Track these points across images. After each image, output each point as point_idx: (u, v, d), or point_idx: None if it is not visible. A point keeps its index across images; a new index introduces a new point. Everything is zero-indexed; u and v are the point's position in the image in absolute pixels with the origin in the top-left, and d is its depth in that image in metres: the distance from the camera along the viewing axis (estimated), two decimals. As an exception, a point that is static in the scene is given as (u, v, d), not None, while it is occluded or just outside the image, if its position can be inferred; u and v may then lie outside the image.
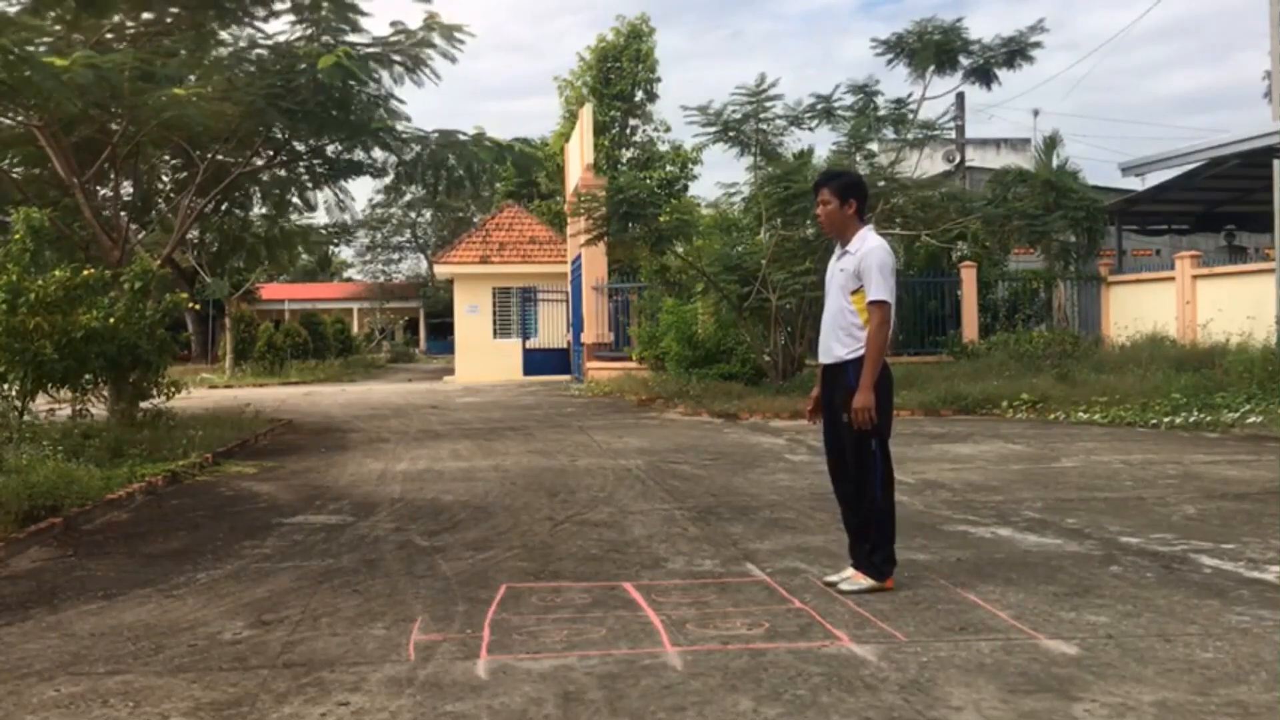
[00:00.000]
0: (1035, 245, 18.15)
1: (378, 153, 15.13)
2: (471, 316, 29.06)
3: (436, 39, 12.26)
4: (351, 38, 12.24)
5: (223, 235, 19.33)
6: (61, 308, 9.63)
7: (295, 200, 17.22)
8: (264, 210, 17.80)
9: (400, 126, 13.82)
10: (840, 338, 4.94)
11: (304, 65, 11.52)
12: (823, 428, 5.24)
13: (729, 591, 4.97)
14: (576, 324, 24.75)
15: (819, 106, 16.56)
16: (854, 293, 4.90)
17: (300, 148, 14.73)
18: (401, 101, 14.95)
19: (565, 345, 27.40)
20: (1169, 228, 24.89)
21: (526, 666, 3.90)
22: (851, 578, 4.90)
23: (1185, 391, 13.07)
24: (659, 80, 33.23)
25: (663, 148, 33.62)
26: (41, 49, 10.13)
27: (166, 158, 15.47)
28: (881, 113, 16.56)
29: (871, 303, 4.81)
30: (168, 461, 9.36)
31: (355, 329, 49.04)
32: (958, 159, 29.11)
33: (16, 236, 9.71)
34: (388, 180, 18.54)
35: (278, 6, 12.14)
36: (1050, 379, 15.04)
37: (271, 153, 14.71)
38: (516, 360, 27.62)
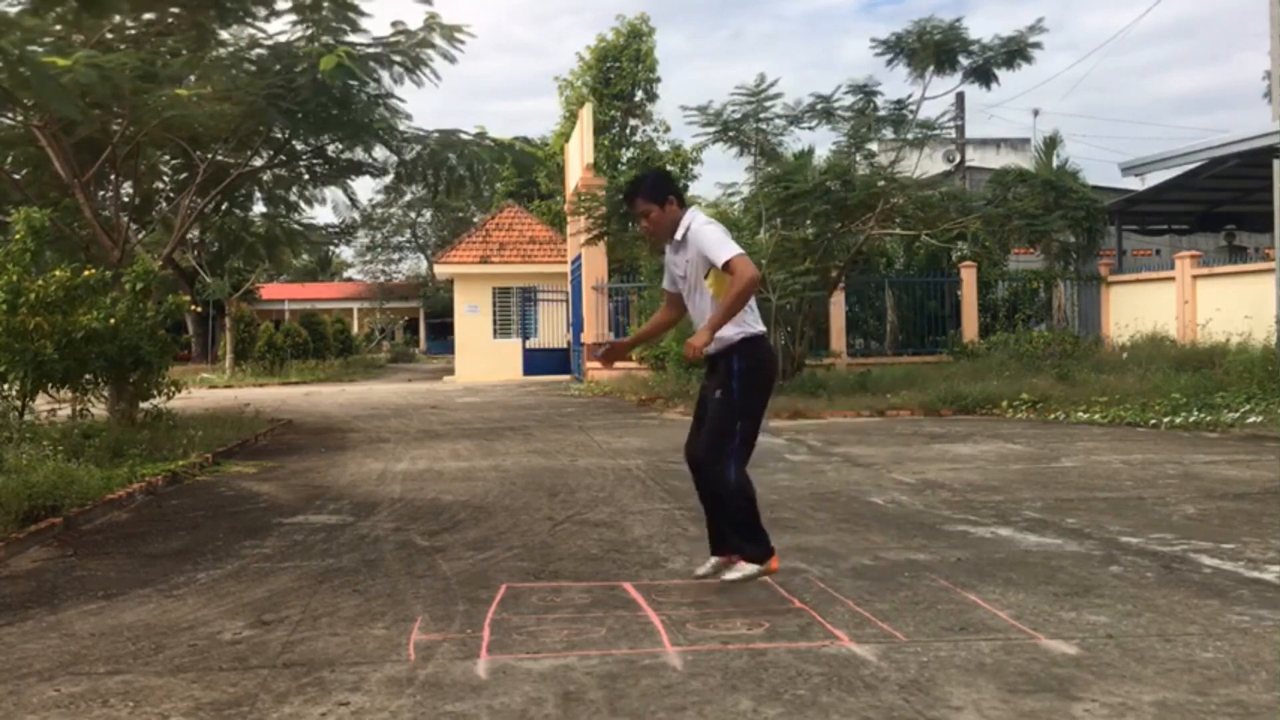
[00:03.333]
0: (1035, 245, 18.17)
1: (378, 152, 15.12)
2: (471, 316, 29.07)
3: (437, 39, 12.25)
4: (352, 38, 12.22)
5: (223, 235, 19.32)
6: (62, 308, 9.64)
7: (296, 200, 17.22)
8: (264, 210, 17.80)
9: (401, 126, 13.83)
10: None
11: (304, 65, 11.50)
12: (693, 417, 5.10)
13: (729, 591, 4.96)
14: (576, 324, 24.75)
15: (819, 106, 16.56)
16: (707, 276, 4.76)
17: (300, 147, 14.72)
18: (402, 101, 14.97)
19: (565, 345, 27.41)
20: (1169, 228, 24.90)
21: (526, 666, 3.90)
22: (717, 570, 4.91)
23: (1185, 391, 13.08)
24: (659, 80, 33.27)
25: (663, 148, 33.64)
26: (42, 49, 10.12)
27: (166, 158, 15.46)
28: (881, 113, 16.57)
29: (725, 264, 4.61)
30: (168, 461, 9.36)
31: (355, 329, 49.06)
32: (958, 159, 29.13)
33: (17, 236, 9.72)
34: (388, 180, 18.55)
35: (278, 6, 12.12)
36: (1050, 379, 15.05)
37: (271, 152, 14.70)
38: (516, 360, 27.63)
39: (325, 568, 5.64)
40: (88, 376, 10.30)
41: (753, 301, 4.76)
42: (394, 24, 12.37)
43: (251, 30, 12.56)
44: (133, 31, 12.19)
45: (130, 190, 15.06)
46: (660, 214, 4.84)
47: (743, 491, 4.80)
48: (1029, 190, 16.41)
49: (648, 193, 4.86)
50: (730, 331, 4.69)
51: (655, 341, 5.45)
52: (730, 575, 4.80)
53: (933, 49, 15.78)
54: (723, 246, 4.65)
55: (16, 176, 13.62)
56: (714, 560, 5.02)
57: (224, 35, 12.65)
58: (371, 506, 7.65)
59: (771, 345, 4.84)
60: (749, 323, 4.75)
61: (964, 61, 16.04)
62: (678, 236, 4.83)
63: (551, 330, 28.29)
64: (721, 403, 4.74)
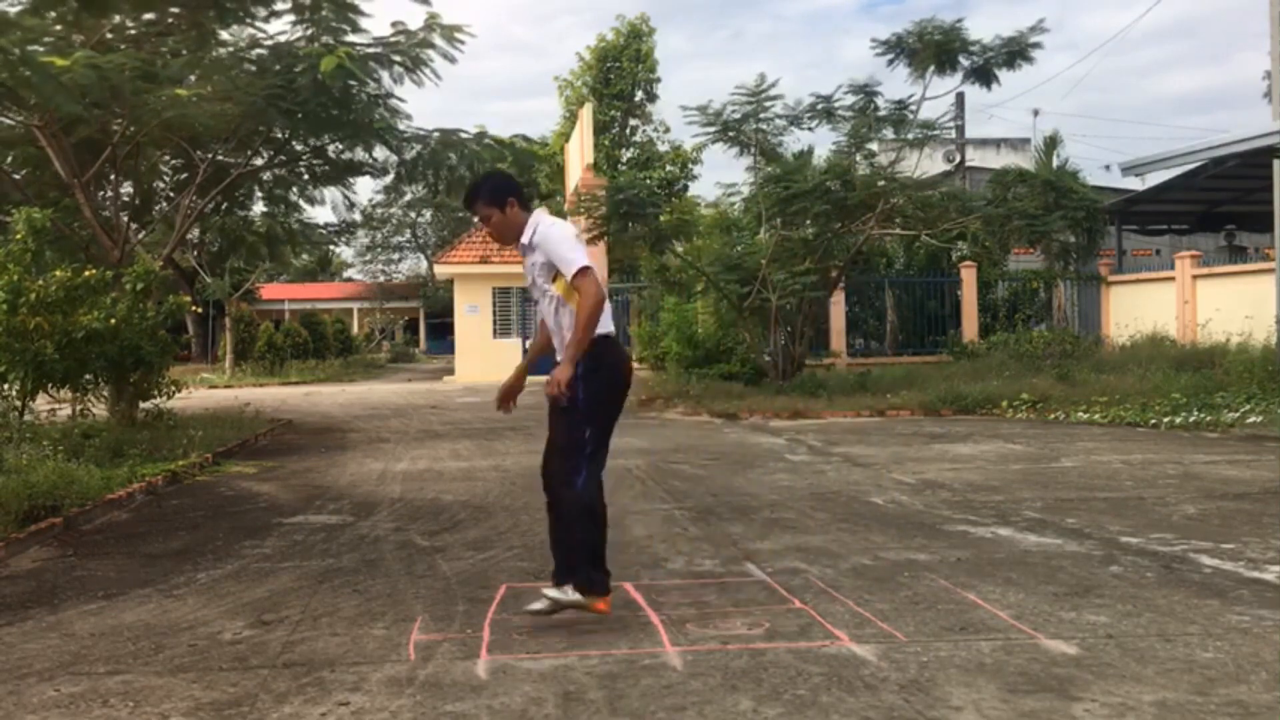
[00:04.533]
0: (1035, 245, 18.14)
1: (378, 152, 15.13)
2: (471, 316, 29.04)
3: (437, 39, 12.27)
4: (352, 38, 12.24)
5: (223, 234, 19.36)
6: (62, 308, 9.64)
7: (296, 199, 17.23)
8: (264, 209, 17.83)
9: (401, 126, 13.84)
10: (564, 331, 4.46)
11: (304, 65, 11.51)
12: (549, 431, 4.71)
13: (729, 591, 4.97)
14: (577, 324, 24.72)
15: (819, 106, 16.56)
16: (555, 280, 4.44)
17: (300, 147, 14.73)
18: (402, 101, 14.99)
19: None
20: (1169, 228, 24.90)
21: (526, 666, 3.90)
22: (565, 589, 4.40)
23: (1185, 391, 13.08)
24: (659, 80, 33.21)
25: (662, 148, 33.61)
26: (42, 49, 10.13)
27: (166, 158, 15.47)
28: (882, 113, 16.57)
29: (573, 276, 4.31)
30: (168, 461, 9.36)
31: (355, 329, 49.04)
32: (958, 159, 29.11)
33: (18, 236, 9.72)
34: (388, 180, 18.55)
35: (278, 6, 12.14)
36: (1050, 379, 15.05)
37: (271, 152, 14.71)
38: (516, 360, 27.49)
39: (325, 568, 5.64)
40: (88, 376, 10.31)
41: (573, 306, 4.40)
42: (394, 24, 12.39)
43: (251, 30, 12.59)
44: (133, 31, 12.21)
45: (130, 190, 15.08)
46: (502, 218, 4.54)
47: (590, 508, 4.42)
48: (1029, 190, 16.40)
49: (487, 196, 4.56)
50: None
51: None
52: (549, 591, 4.38)
53: (933, 49, 15.78)
54: (571, 252, 4.35)
55: (16, 176, 13.63)
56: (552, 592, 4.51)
57: (224, 35, 12.67)
58: (371, 506, 7.65)
59: (622, 346, 4.48)
60: (601, 324, 4.38)
61: (964, 62, 16.03)
62: (524, 240, 4.54)
63: (551, 330, 28.27)
64: (568, 413, 4.39)
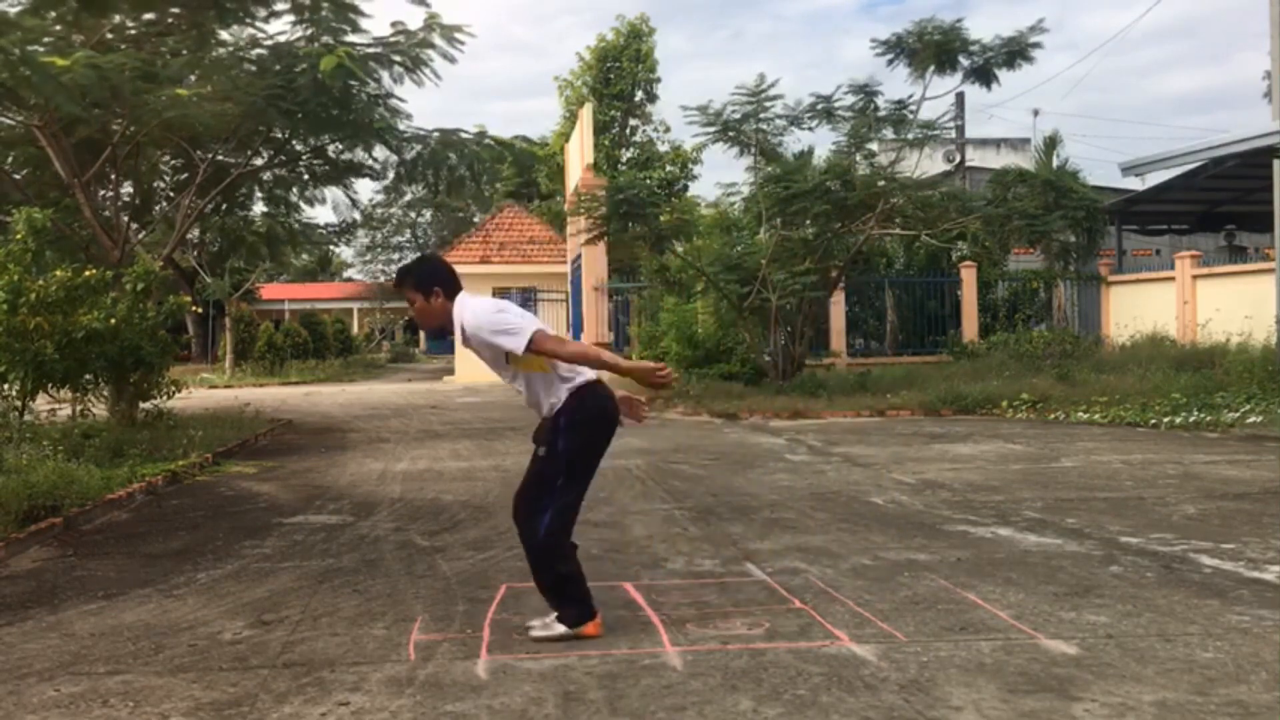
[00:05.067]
0: (1035, 245, 18.15)
1: (378, 152, 15.13)
2: (472, 316, 29.04)
3: (437, 39, 12.27)
4: (351, 38, 12.24)
5: (223, 234, 19.36)
6: (62, 308, 9.64)
7: (296, 200, 17.23)
8: (265, 209, 17.83)
9: (401, 126, 13.84)
10: (539, 397, 4.33)
11: (304, 65, 11.51)
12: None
13: (729, 591, 4.97)
14: (576, 324, 24.74)
15: (819, 107, 16.56)
16: (508, 359, 4.29)
17: (300, 147, 14.73)
18: (402, 101, 14.98)
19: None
20: (1169, 228, 24.90)
21: (526, 666, 3.90)
22: (548, 623, 4.33)
23: (1185, 391, 13.08)
24: (659, 80, 33.25)
25: (662, 148, 33.64)
26: (42, 49, 10.13)
27: (166, 158, 15.48)
28: (882, 113, 16.57)
29: (526, 353, 4.16)
30: (168, 461, 9.36)
31: (355, 329, 49.04)
32: (958, 159, 29.12)
33: (18, 236, 9.72)
34: (388, 180, 18.55)
35: (278, 6, 12.14)
36: (1050, 379, 15.05)
37: (272, 152, 14.72)
38: (516, 360, 27.59)
39: (325, 568, 5.64)
40: (88, 376, 10.30)
41: (542, 371, 4.31)
42: (394, 24, 12.39)
43: (251, 30, 12.58)
44: (133, 31, 12.21)
45: (130, 190, 15.07)
46: (425, 305, 4.40)
47: (551, 551, 4.24)
48: (1029, 190, 16.40)
49: (414, 283, 4.44)
50: (554, 400, 4.28)
51: None
52: (536, 633, 4.29)
53: (933, 49, 15.78)
54: (504, 337, 4.18)
55: (17, 176, 13.63)
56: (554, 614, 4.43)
57: (224, 35, 12.67)
58: (371, 506, 7.65)
59: (607, 391, 4.36)
60: (572, 378, 4.28)
61: (964, 62, 16.03)
62: (456, 333, 4.39)
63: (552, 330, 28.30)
64: (545, 460, 4.29)
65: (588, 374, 4.32)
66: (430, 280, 4.45)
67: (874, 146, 17.28)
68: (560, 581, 4.28)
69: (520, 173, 34.70)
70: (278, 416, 15.05)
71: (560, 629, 4.25)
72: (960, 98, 27.30)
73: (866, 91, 16.39)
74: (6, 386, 9.56)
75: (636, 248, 19.66)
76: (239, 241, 18.98)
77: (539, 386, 4.31)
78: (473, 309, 4.32)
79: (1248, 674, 3.66)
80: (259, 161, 14.89)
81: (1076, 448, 10.21)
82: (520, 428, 13.46)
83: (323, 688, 3.71)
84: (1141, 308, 19.19)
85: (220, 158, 14.29)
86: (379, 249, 55.53)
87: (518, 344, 4.14)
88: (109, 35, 11.90)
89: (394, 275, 4.63)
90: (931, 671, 3.74)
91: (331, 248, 49.44)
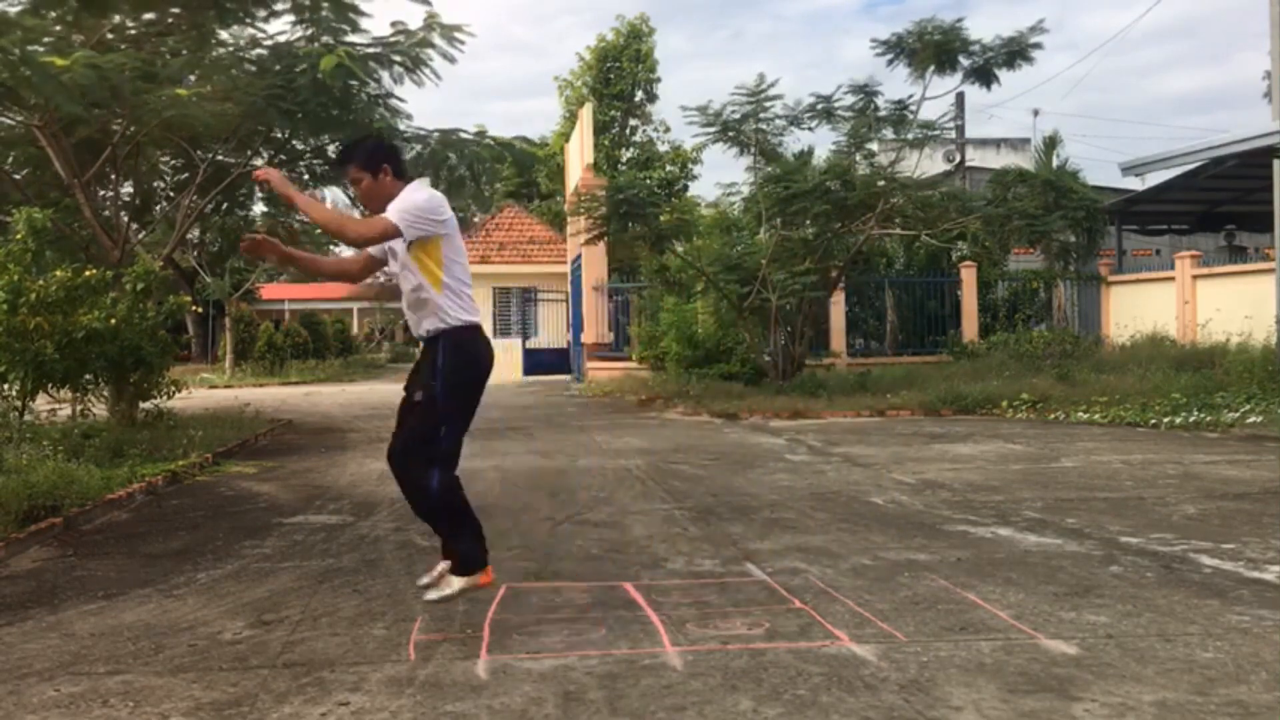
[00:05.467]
0: (1035, 245, 18.16)
1: (378, 152, 15.09)
2: (471, 316, 29.04)
3: (436, 39, 12.24)
4: (351, 38, 12.22)
5: (223, 234, 19.35)
6: (62, 308, 9.65)
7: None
8: (265, 209, 17.82)
9: (401, 126, 13.82)
10: (424, 310, 4.26)
11: (304, 65, 11.50)
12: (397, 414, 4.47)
13: (729, 591, 4.97)
14: (576, 324, 24.75)
15: (819, 107, 16.57)
16: (412, 255, 4.21)
17: (300, 147, 14.72)
18: (402, 101, 14.96)
19: (565, 345, 27.41)
20: (1169, 228, 24.91)
21: (526, 666, 3.90)
22: (438, 581, 4.32)
23: (1185, 391, 13.08)
24: (659, 80, 33.28)
25: (662, 148, 33.65)
26: (42, 49, 10.13)
27: (166, 158, 15.46)
28: (882, 113, 16.57)
29: (385, 220, 4.08)
30: (168, 461, 9.36)
31: (355, 329, 49.01)
32: (958, 159, 29.13)
33: (18, 236, 9.72)
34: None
35: (278, 6, 12.12)
36: (1050, 379, 15.05)
37: (272, 152, 14.71)
38: (516, 360, 27.61)
39: (325, 568, 5.64)
40: (88, 376, 10.30)
41: (468, 286, 4.31)
42: (394, 24, 12.36)
43: (251, 30, 12.57)
44: (133, 31, 12.20)
45: (130, 190, 15.06)
46: (371, 184, 4.27)
47: (448, 497, 4.26)
48: (1029, 190, 16.41)
49: (360, 159, 4.30)
50: (440, 320, 4.21)
51: (324, 270, 4.64)
52: (431, 595, 4.27)
53: (933, 49, 15.79)
54: (399, 212, 4.09)
55: (17, 176, 13.62)
56: (441, 565, 4.44)
57: (224, 35, 12.65)
58: (371, 506, 7.64)
59: (485, 338, 4.33)
60: (463, 310, 4.23)
61: (964, 62, 16.04)
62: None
63: (551, 330, 28.30)
64: (425, 405, 4.20)
65: (470, 315, 4.27)
66: (380, 158, 4.31)
67: (874, 146, 17.29)
68: (460, 522, 4.30)
69: (520, 173, 34.70)
70: (278, 416, 15.05)
71: (457, 584, 4.24)
72: (960, 98, 27.34)
73: (866, 91, 16.40)
74: (6, 386, 9.56)
75: (636, 248, 19.66)
76: (239, 242, 18.95)
77: (428, 299, 4.22)
78: (411, 189, 4.24)
79: (1248, 674, 3.66)
80: (259, 161, 14.86)
81: (1076, 448, 10.21)
82: (520, 427, 13.46)
83: (323, 688, 3.71)
84: (1141, 308, 19.20)
85: (220, 158, 14.28)
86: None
87: (394, 215, 4.06)
88: (109, 35, 11.89)
89: (337, 157, 4.58)
90: (931, 671, 3.74)
91: (331, 248, 49.39)
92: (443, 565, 4.37)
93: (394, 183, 4.29)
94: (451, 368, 4.20)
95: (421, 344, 4.39)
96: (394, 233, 4.11)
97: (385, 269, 4.59)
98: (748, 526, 6.57)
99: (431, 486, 4.20)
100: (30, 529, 6.47)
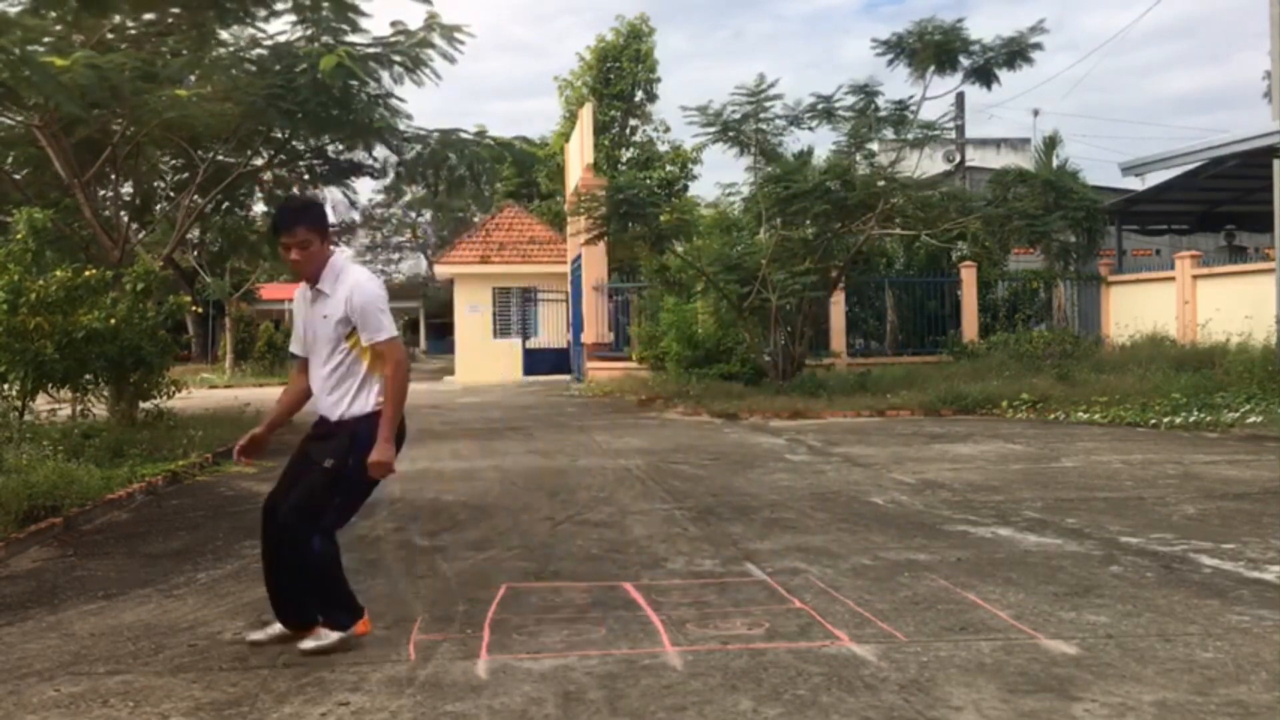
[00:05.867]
0: (1035, 245, 18.14)
1: (378, 152, 15.13)
2: (471, 316, 29.05)
3: (437, 39, 12.24)
4: (352, 38, 12.22)
5: (224, 234, 19.35)
6: (62, 308, 9.65)
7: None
8: (265, 209, 17.83)
9: (401, 126, 13.82)
10: (348, 392, 4.13)
11: (304, 65, 11.50)
12: (286, 466, 4.40)
13: (729, 591, 4.97)
14: (576, 324, 24.74)
15: (819, 107, 16.56)
16: (349, 338, 4.11)
17: (300, 147, 14.72)
18: (402, 101, 14.93)
19: (565, 345, 27.42)
20: (1169, 228, 24.90)
21: (526, 666, 3.90)
22: (313, 633, 4.13)
23: (1185, 391, 13.08)
24: (659, 80, 33.23)
25: (662, 148, 33.62)
26: (42, 49, 10.13)
27: (167, 158, 15.46)
28: (882, 113, 16.56)
29: (382, 343, 4.07)
30: (168, 461, 9.36)
31: (391, 395, 48.90)
32: (958, 159, 29.12)
33: (18, 236, 9.72)
34: (388, 180, 18.56)
35: (278, 6, 12.11)
36: (1050, 379, 15.05)
37: (272, 152, 14.71)
38: (516, 360, 27.62)
39: (325, 568, 5.63)
40: (88, 376, 10.30)
41: (362, 366, 4.16)
42: (394, 24, 12.36)
43: (251, 30, 12.56)
44: (133, 31, 12.19)
45: (130, 190, 15.06)
46: (320, 250, 4.13)
47: (326, 558, 4.10)
48: (1029, 190, 16.39)
49: (311, 220, 4.14)
50: (359, 405, 4.11)
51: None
52: (307, 644, 4.08)
53: (933, 49, 15.78)
54: (383, 319, 4.08)
55: (17, 176, 13.62)
56: (276, 628, 4.23)
57: (224, 35, 12.64)
58: (371, 506, 7.61)
59: (404, 420, 4.22)
60: (374, 391, 4.14)
61: (964, 62, 16.03)
62: (324, 287, 4.14)
63: (551, 330, 28.29)
64: (330, 474, 4.09)
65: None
66: (324, 217, 4.23)
67: (874, 146, 17.28)
68: (335, 585, 4.15)
69: (520, 173, 34.69)
70: (278, 416, 15.02)
71: (333, 636, 4.10)
72: (960, 98, 27.30)
73: (867, 91, 16.39)
74: (6, 386, 9.56)
75: (636, 248, 19.66)
76: (239, 241, 18.94)
77: (355, 382, 4.12)
78: (364, 276, 4.19)
79: (1248, 674, 3.66)
80: (259, 161, 14.88)
81: (1076, 448, 10.21)
82: (520, 427, 13.47)
83: (323, 688, 3.71)
84: (1141, 308, 19.19)
85: (220, 158, 14.28)
86: (379, 249, 55.60)
87: (388, 330, 4.08)
88: (109, 35, 11.89)
89: (278, 213, 4.31)
90: (931, 671, 3.74)
91: (331, 248, 49.42)
92: (277, 628, 4.21)
93: (326, 250, 4.20)
94: (366, 448, 4.05)
95: (320, 418, 4.23)
96: (403, 352, 4.16)
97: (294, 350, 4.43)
98: (748, 526, 6.57)
99: (314, 548, 4.05)
100: (30, 529, 6.48)
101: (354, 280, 4.13)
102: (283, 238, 4.11)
